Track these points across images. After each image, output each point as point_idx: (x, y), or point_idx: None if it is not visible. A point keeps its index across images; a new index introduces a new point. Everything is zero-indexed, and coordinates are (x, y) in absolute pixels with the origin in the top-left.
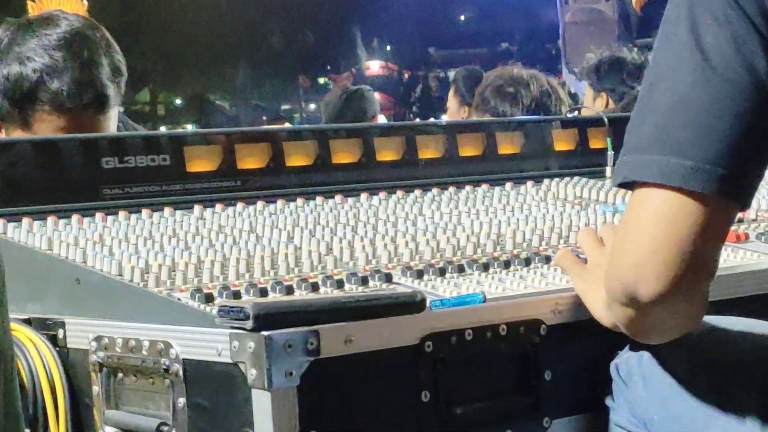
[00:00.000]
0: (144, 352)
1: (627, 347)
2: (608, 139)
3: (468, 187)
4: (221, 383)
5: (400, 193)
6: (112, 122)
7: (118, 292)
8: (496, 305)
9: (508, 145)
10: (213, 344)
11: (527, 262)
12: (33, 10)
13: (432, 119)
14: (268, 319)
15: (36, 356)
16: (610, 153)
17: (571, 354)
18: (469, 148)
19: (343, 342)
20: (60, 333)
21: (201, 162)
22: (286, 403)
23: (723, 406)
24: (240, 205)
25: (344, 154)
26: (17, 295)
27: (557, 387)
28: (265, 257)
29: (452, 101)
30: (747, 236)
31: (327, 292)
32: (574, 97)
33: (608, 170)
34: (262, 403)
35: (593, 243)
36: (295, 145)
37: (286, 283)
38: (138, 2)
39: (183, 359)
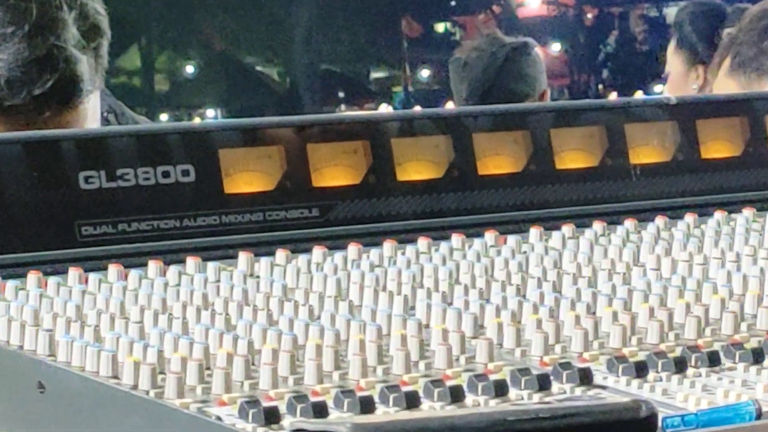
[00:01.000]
0: None
1: None
2: None
3: (719, 213)
4: None
5: (597, 225)
6: (89, 117)
7: (112, 407)
8: None
9: None
10: None
11: None
12: None
13: (640, 94)
14: None
15: None
16: None
17: None
18: (717, 145)
19: None
20: None
21: (246, 177)
22: None
23: None
24: (317, 251)
25: (498, 159)
26: None
27: None
28: (366, 342)
29: (675, 59)
30: None
31: (478, 403)
32: None
33: None
34: None
35: None
36: (410, 146)
37: (404, 388)
38: None
39: None
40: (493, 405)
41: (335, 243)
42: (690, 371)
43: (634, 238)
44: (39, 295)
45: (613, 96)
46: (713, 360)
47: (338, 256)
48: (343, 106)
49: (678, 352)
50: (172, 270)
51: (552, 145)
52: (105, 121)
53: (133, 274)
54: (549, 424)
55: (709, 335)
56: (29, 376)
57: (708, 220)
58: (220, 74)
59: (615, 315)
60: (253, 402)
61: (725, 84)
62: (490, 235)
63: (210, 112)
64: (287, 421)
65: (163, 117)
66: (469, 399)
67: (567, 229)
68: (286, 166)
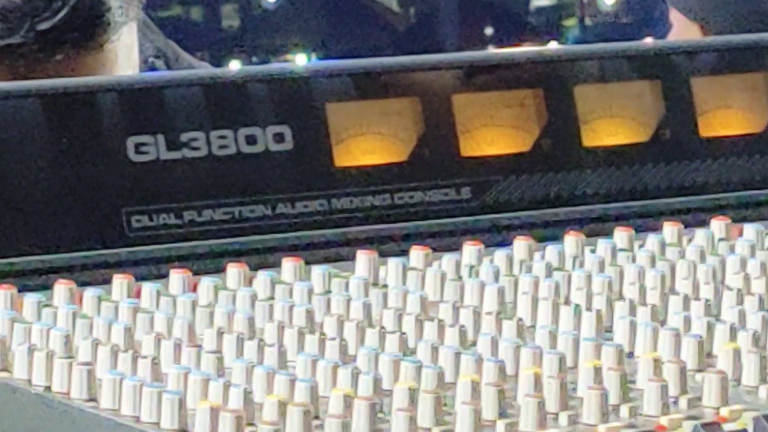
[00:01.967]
0: None
1: None
2: None
3: None
4: None
5: None
6: (120, 61)
7: None
8: None
9: None
10: None
11: None
12: None
13: None
14: None
15: None
16: None
17: None
18: None
19: None
20: None
21: (365, 144)
22: None
23: None
24: (469, 249)
25: (730, 114)
26: None
27: None
28: (544, 378)
29: None
30: None
31: None
32: None
33: None
34: None
35: None
36: (602, 96)
37: None
38: None
39: None
40: None
41: (495, 237)
42: None
43: None
44: (72, 313)
45: None
46: None
47: (500, 255)
48: (491, 48)
49: None
50: (262, 277)
51: None
52: (150, 69)
53: (206, 283)
54: None
55: None
56: (60, 429)
57: None
58: (314, 3)
59: None
60: None
61: None
62: (717, 224)
63: (300, 59)
64: None
65: (234, 65)
66: None
67: None
68: (423, 127)
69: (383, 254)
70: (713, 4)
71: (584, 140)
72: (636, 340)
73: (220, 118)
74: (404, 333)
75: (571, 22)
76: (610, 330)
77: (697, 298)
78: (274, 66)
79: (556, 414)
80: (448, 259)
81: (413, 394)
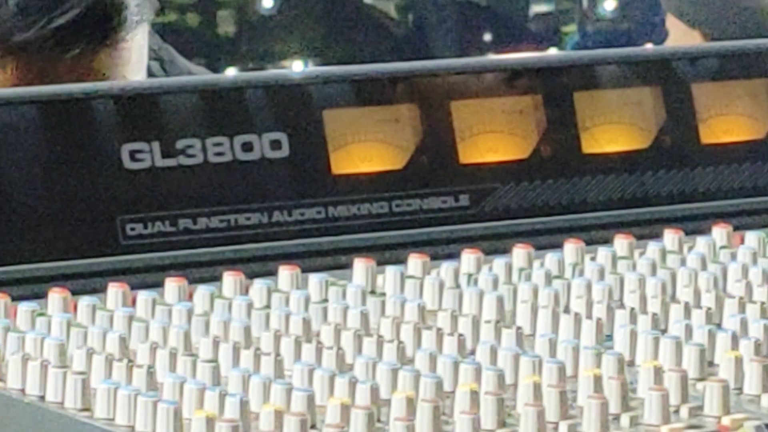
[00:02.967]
0: None
1: None
2: None
3: None
4: None
5: None
6: (133, 62)
7: None
8: None
9: None
10: None
11: None
12: None
13: None
14: None
15: None
16: None
17: None
18: None
19: None
20: None
21: (362, 151)
22: None
23: None
24: (468, 257)
25: (729, 120)
26: None
27: None
28: (543, 387)
29: None
30: None
31: None
32: None
33: None
34: None
35: None
36: (602, 103)
37: None
38: None
39: None
40: None
41: (494, 245)
42: None
43: None
44: (66, 322)
45: None
46: None
47: (499, 263)
48: (489, 54)
49: None
50: (258, 286)
51: None
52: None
53: (202, 291)
54: None
55: None
56: None
57: None
58: (311, 9)
59: None
60: None
61: None
62: (719, 231)
63: (297, 65)
64: None
65: (230, 71)
66: None
67: None
68: (421, 134)
69: (381, 262)
70: (712, 10)
71: (584, 147)
72: (637, 349)
73: (216, 125)
74: (402, 342)
75: (570, 29)
76: (610, 338)
77: (699, 306)
78: (271, 73)
79: (556, 423)
80: (446, 267)
81: (410, 404)
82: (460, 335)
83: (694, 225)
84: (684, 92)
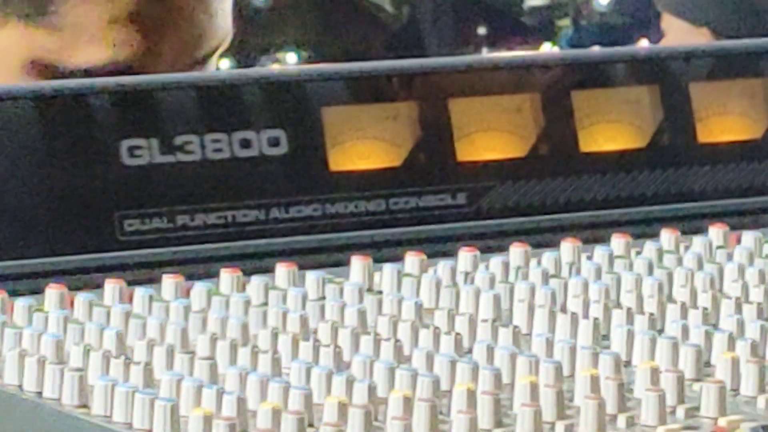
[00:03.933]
0: None
1: None
2: None
3: None
4: None
5: None
6: None
7: None
8: None
9: None
10: None
11: None
12: None
13: None
14: None
15: None
16: None
17: None
18: None
19: None
20: None
21: (360, 148)
22: None
23: None
24: (465, 255)
25: (727, 120)
26: None
27: None
28: (540, 387)
29: None
30: None
31: None
32: None
33: None
34: None
35: None
36: (599, 101)
37: None
38: None
39: None
40: None
41: (491, 243)
42: None
43: None
44: (63, 318)
45: None
46: None
47: (495, 262)
48: (484, 50)
49: None
50: (255, 283)
51: None
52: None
53: (199, 288)
54: None
55: None
56: None
57: None
58: (305, 1)
59: None
60: None
61: None
62: (716, 231)
63: (290, 57)
64: None
65: (223, 64)
66: None
67: None
68: (419, 132)
69: (378, 260)
70: (724, 8)
71: (581, 146)
72: (633, 349)
73: (215, 121)
74: (399, 340)
75: (564, 23)
76: (607, 338)
77: (695, 307)
78: (269, 69)
79: (553, 423)
80: (443, 266)
81: (407, 403)
82: (457, 334)
83: (691, 224)
84: (681, 91)
